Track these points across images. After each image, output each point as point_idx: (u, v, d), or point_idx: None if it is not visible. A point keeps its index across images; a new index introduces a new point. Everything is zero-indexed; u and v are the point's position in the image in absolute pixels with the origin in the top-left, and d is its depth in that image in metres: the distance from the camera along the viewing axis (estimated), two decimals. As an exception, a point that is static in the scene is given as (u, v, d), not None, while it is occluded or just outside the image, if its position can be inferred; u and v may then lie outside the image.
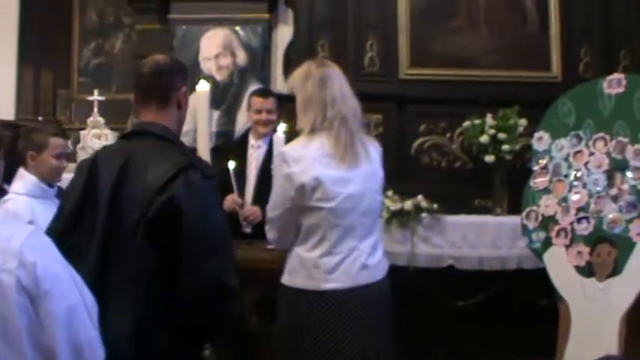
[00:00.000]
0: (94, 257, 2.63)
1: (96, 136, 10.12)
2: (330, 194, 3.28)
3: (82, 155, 9.97)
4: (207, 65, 6.72)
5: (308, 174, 3.26)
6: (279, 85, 6.41)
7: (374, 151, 3.49)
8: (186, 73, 3.03)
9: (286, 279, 3.39)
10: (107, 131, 10.02)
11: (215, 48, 6.70)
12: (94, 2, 11.52)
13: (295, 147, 3.36)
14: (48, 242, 2.07)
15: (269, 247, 4.06)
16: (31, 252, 1.96)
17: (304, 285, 3.32)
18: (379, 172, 3.51)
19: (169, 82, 2.91)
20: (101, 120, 10.15)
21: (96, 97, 10.32)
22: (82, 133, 10.14)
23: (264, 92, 5.47)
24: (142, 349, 2.58)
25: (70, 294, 2.04)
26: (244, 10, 6.47)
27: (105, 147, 2.95)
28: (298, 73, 3.49)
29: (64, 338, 1.98)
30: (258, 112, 5.14)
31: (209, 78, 6.15)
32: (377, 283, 3.40)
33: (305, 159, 3.29)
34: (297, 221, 3.36)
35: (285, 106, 4.82)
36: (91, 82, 11.24)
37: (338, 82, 3.41)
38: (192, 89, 4.45)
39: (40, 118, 10.68)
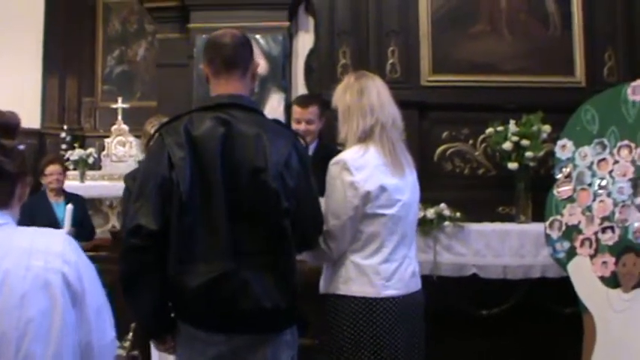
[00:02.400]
0: (223, 226, 2.85)
1: (120, 144, 10.22)
2: (392, 201, 3.34)
3: (107, 163, 10.09)
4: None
5: (372, 182, 3.30)
6: (301, 93, 6.37)
7: (412, 161, 3.54)
8: None
9: (340, 288, 3.36)
10: (131, 138, 10.12)
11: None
12: (118, 11, 11.64)
13: (354, 155, 3.35)
14: (78, 245, 2.13)
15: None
16: (71, 252, 2.03)
17: (364, 293, 3.31)
18: (417, 183, 3.57)
19: (250, 54, 3.14)
20: (125, 127, 10.25)
21: (120, 104, 10.44)
22: (107, 140, 10.24)
23: (304, 101, 5.23)
24: (289, 302, 2.94)
25: (100, 294, 2.10)
26: (264, 18, 6.45)
27: (191, 119, 2.98)
28: (339, 86, 3.56)
29: (97, 337, 2.03)
30: (298, 122, 4.99)
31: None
32: (420, 290, 3.49)
33: (367, 167, 3.32)
34: (355, 230, 3.34)
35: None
36: (114, 89, 11.38)
37: (375, 90, 3.45)
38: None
39: (65, 127, 10.77)
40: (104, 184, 9.40)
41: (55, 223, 6.43)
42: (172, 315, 3.01)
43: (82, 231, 6.63)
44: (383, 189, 3.30)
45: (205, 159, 2.89)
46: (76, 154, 9.85)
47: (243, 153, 2.90)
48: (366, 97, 3.41)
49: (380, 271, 3.31)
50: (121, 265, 2.94)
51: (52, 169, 6.84)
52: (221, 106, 3.00)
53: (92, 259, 2.14)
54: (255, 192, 2.88)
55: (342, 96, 3.49)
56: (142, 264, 2.88)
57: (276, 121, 3.24)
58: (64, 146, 10.42)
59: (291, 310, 2.97)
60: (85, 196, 7.74)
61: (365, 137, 3.37)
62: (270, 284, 2.88)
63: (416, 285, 3.45)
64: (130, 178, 4.45)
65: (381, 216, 3.32)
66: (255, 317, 2.88)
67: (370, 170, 3.30)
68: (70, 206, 6.26)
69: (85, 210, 7.14)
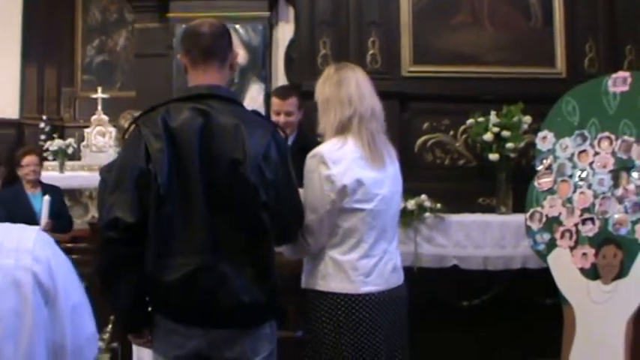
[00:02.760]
0: (202, 219, 2.85)
1: (100, 134, 10.14)
2: (370, 195, 3.30)
3: (87, 153, 10.02)
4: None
5: (349, 175, 3.26)
6: (281, 83, 6.34)
7: (393, 152, 3.51)
8: None
9: (319, 284, 3.34)
10: (111, 129, 10.05)
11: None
12: (98, 0, 11.52)
13: (331, 148, 3.32)
14: (53, 240, 2.08)
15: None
16: (42, 248, 1.98)
17: (342, 289, 3.29)
18: (400, 175, 3.54)
19: (228, 44, 3.14)
20: (105, 117, 10.17)
21: (100, 94, 10.35)
22: (87, 131, 10.16)
23: (283, 93, 5.18)
24: (268, 296, 2.94)
25: (76, 291, 2.06)
26: (244, 8, 6.41)
27: (168, 110, 2.96)
28: (320, 79, 3.54)
29: (72, 335, 1.99)
30: (277, 113, 4.93)
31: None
32: (403, 285, 3.47)
33: (344, 160, 3.28)
34: (333, 224, 3.32)
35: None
36: (94, 79, 11.27)
37: (355, 81, 3.41)
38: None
39: (44, 117, 10.68)
40: (84, 175, 9.32)
41: (32, 215, 6.38)
42: (150, 309, 2.99)
43: (60, 222, 6.59)
44: (360, 183, 3.27)
45: (183, 150, 2.86)
46: (55, 144, 9.77)
47: (221, 145, 2.88)
48: (345, 88, 3.37)
49: (358, 267, 3.29)
50: (98, 258, 2.93)
51: (29, 159, 6.76)
52: (199, 97, 2.98)
53: (70, 250, 2.11)
54: (233, 185, 2.86)
55: (321, 87, 3.46)
56: (119, 257, 2.87)
57: (255, 112, 3.23)
58: (43, 136, 10.32)
59: (270, 304, 2.96)
60: (65, 187, 7.67)
61: (343, 129, 3.34)
62: (249, 278, 2.87)
63: (397, 280, 3.43)
64: (105, 170, 4.41)
65: (359, 211, 3.29)
66: (234, 312, 2.86)
67: (347, 163, 3.27)
68: (47, 197, 6.21)
69: (62, 201, 7.07)
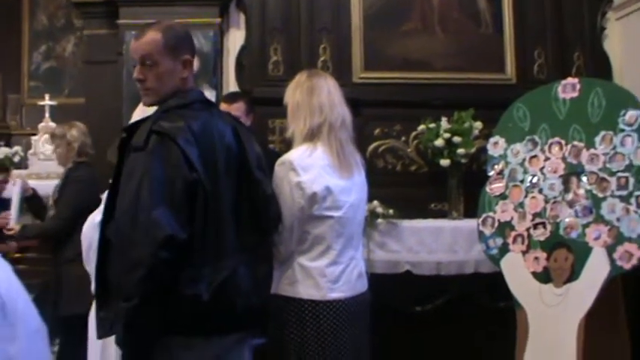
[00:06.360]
0: (228, 224, 2.84)
1: (48, 142, 9.97)
2: (338, 203, 3.34)
3: (34, 161, 9.86)
4: (157, 70, 6.60)
5: (319, 183, 3.28)
6: (232, 90, 6.31)
7: (360, 161, 3.55)
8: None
9: (287, 290, 3.34)
10: (58, 136, 9.87)
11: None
12: (45, 5, 11.35)
13: (301, 155, 3.33)
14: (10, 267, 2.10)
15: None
16: (2, 269, 2.06)
17: (310, 295, 3.31)
18: (366, 183, 3.58)
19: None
20: (53, 125, 9.99)
21: (47, 101, 10.18)
22: (34, 138, 10.00)
23: (230, 98, 5.29)
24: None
25: (35, 316, 2.09)
26: (195, 14, 6.35)
27: (184, 116, 2.85)
28: (290, 83, 3.55)
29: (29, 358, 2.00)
30: None
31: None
32: (367, 291, 3.51)
33: (313, 167, 3.30)
34: (302, 231, 3.33)
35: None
36: (41, 86, 11.09)
37: (326, 89, 3.44)
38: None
39: (-11, 124, 10.50)
40: (31, 184, 9.18)
41: None
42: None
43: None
44: (329, 190, 3.29)
45: (209, 156, 2.81)
46: (1, 152, 9.60)
47: (229, 147, 2.89)
48: (316, 95, 3.40)
49: (326, 273, 3.31)
50: (142, 285, 2.62)
51: None
52: (206, 103, 3.05)
53: (19, 261, 2.09)
54: (243, 184, 2.89)
55: (292, 93, 3.48)
56: (167, 281, 2.64)
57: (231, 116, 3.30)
58: (-12, 144, 10.15)
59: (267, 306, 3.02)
60: (9, 196, 7.52)
61: (312, 136, 3.36)
62: (256, 279, 2.90)
63: (362, 286, 3.46)
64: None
65: (328, 218, 3.31)
66: (245, 314, 2.85)
67: (317, 171, 3.29)
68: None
69: None
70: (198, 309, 2.70)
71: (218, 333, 2.80)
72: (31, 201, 5.94)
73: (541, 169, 4.59)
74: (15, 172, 9.51)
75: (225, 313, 2.78)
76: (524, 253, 4.53)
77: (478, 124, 5.86)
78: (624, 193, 4.26)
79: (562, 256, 4.38)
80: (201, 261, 2.72)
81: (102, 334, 2.89)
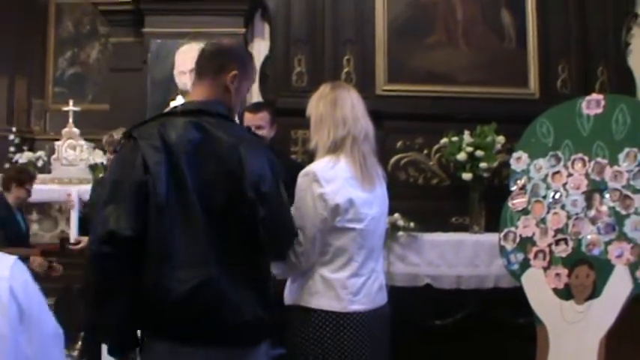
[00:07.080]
0: (201, 232, 2.80)
1: (71, 147, 10.03)
2: (360, 215, 3.31)
3: (57, 166, 9.93)
4: (182, 79, 6.57)
5: (342, 194, 3.26)
6: (255, 100, 6.33)
7: (382, 174, 3.52)
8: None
9: (307, 301, 3.32)
10: (82, 142, 9.94)
11: (190, 62, 6.43)
12: (70, 11, 11.44)
13: (324, 167, 3.32)
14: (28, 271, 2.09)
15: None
16: (20, 272, 2.02)
17: (331, 307, 3.28)
18: (387, 196, 3.55)
19: (222, 64, 3.04)
20: (76, 131, 10.06)
21: (71, 107, 10.24)
22: (57, 144, 10.06)
23: (254, 107, 5.25)
24: (266, 313, 2.91)
25: (51, 321, 2.09)
26: (220, 24, 6.38)
27: (164, 124, 2.91)
28: (314, 95, 3.53)
29: None
30: (248, 128, 5.00)
31: (184, 92, 6.05)
32: (386, 304, 3.48)
33: (337, 179, 3.28)
34: (324, 242, 3.31)
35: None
36: (66, 92, 11.17)
37: (350, 102, 3.42)
38: (168, 104, 4.37)
39: (14, 129, 10.58)
40: (54, 188, 9.22)
41: (22, 233, 6.33)
42: (142, 333, 2.89)
43: None
44: (351, 203, 3.27)
45: (180, 164, 2.81)
46: (24, 156, 9.67)
47: (219, 160, 2.86)
48: (340, 108, 3.38)
49: (348, 285, 3.29)
50: (91, 274, 2.84)
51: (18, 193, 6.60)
52: (191, 112, 2.96)
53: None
54: (232, 200, 2.84)
55: (315, 105, 3.46)
56: (112, 272, 2.75)
57: (248, 130, 3.31)
58: (12, 149, 10.21)
59: (269, 321, 2.94)
60: (34, 201, 7.58)
61: (335, 148, 3.34)
62: (248, 295, 2.84)
63: (382, 299, 3.44)
64: (97, 184, 4.32)
65: (351, 230, 3.29)
66: (237, 329, 2.82)
67: (340, 182, 3.27)
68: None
69: None
70: (165, 307, 2.76)
71: (203, 344, 2.79)
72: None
73: (564, 185, 4.58)
74: (38, 176, 9.62)
75: (206, 322, 2.78)
76: (545, 269, 4.52)
77: (500, 139, 5.85)
78: (648, 210, 4.25)
79: (583, 273, 4.37)
80: (166, 264, 2.76)
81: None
